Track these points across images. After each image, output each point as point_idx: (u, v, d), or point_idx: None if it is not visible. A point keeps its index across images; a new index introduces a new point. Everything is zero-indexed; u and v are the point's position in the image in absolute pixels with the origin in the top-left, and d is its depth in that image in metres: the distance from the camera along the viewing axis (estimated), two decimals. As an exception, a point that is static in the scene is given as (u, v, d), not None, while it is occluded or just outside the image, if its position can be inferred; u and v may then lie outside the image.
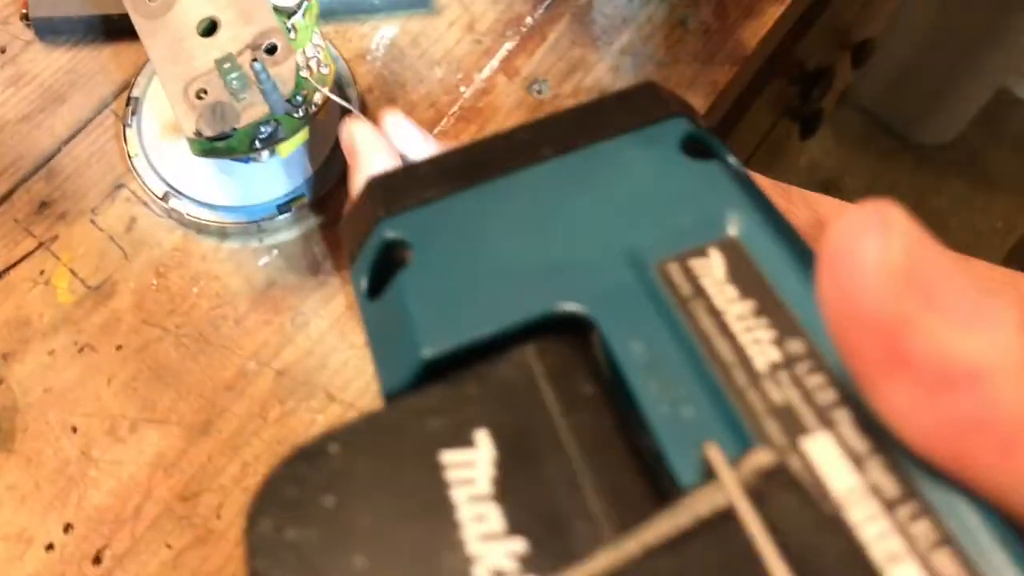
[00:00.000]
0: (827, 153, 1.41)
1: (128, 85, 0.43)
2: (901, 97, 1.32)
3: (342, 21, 0.46)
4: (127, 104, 0.42)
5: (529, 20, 0.47)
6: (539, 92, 0.46)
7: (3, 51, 0.45)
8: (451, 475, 0.15)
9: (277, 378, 0.40)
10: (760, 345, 0.15)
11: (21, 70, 0.45)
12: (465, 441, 0.15)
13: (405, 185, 0.20)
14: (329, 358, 0.41)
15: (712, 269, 0.17)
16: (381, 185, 0.20)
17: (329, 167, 0.41)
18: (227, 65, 0.34)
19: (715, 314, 0.16)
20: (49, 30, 0.44)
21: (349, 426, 0.15)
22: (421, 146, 0.32)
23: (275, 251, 0.42)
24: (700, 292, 0.16)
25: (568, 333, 0.17)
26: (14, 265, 0.41)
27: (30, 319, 0.40)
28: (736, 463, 0.14)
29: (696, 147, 0.19)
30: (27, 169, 0.43)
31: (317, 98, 0.36)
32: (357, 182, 0.31)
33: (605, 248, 0.17)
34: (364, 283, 0.19)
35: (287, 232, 0.42)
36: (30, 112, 0.44)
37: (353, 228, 0.20)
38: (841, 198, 0.34)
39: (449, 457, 0.15)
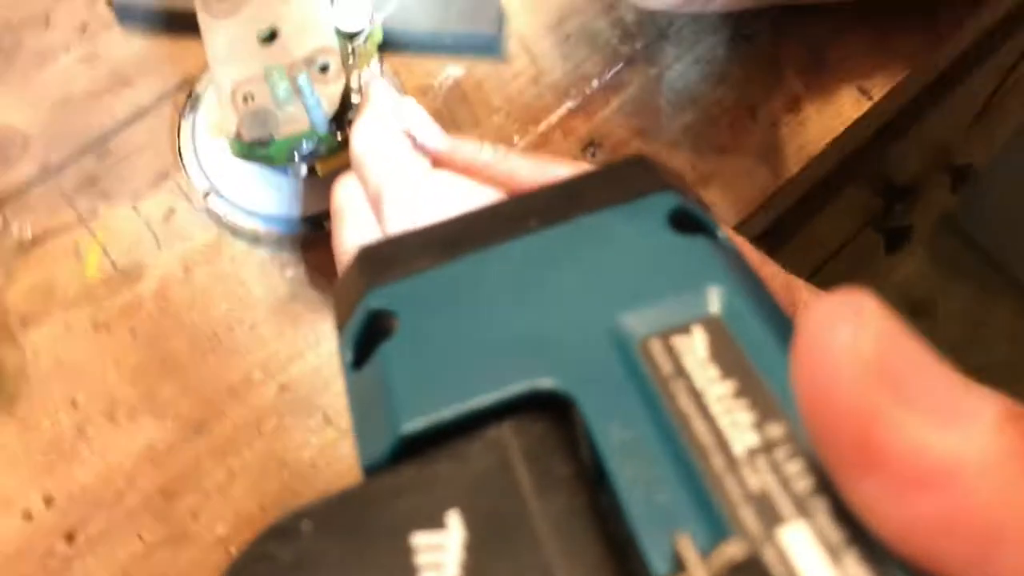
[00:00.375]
0: (922, 274, 1.42)
1: (193, 80, 0.48)
2: (1007, 229, 1.33)
3: (411, 54, 0.51)
4: (187, 98, 0.47)
5: (595, 83, 0.52)
6: (592, 155, 0.50)
7: (84, 29, 0.51)
8: (421, 558, 0.16)
9: (280, 391, 0.44)
10: (739, 428, 0.16)
11: (96, 49, 0.50)
12: (437, 523, 0.16)
13: (393, 255, 0.21)
14: (334, 381, 0.44)
15: (694, 347, 0.17)
16: (370, 254, 0.22)
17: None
18: (276, 74, 0.38)
19: (695, 395, 0.17)
20: (129, 16, 0.50)
21: (323, 503, 0.17)
22: (427, 130, 0.36)
23: (303, 265, 0.46)
24: (681, 371, 0.17)
25: (550, 409, 0.18)
26: (51, 234, 0.46)
27: (55, 289, 0.45)
28: (707, 556, 0.14)
29: (685, 221, 0.21)
30: (82, 144, 0.48)
31: (366, 125, 0.41)
32: (355, 128, 0.35)
33: (588, 323, 0.19)
34: (349, 354, 0.20)
35: (320, 248, 0.46)
36: (97, 90, 0.49)
37: (341, 297, 0.22)
38: (932, 323, 0.37)
39: (420, 539, 0.16)
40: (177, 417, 0.43)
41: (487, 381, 0.18)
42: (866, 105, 0.55)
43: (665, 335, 0.18)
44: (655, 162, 0.23)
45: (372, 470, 0.18)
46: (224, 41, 0.40)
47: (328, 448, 0.43)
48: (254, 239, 0.46)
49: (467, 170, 0.34)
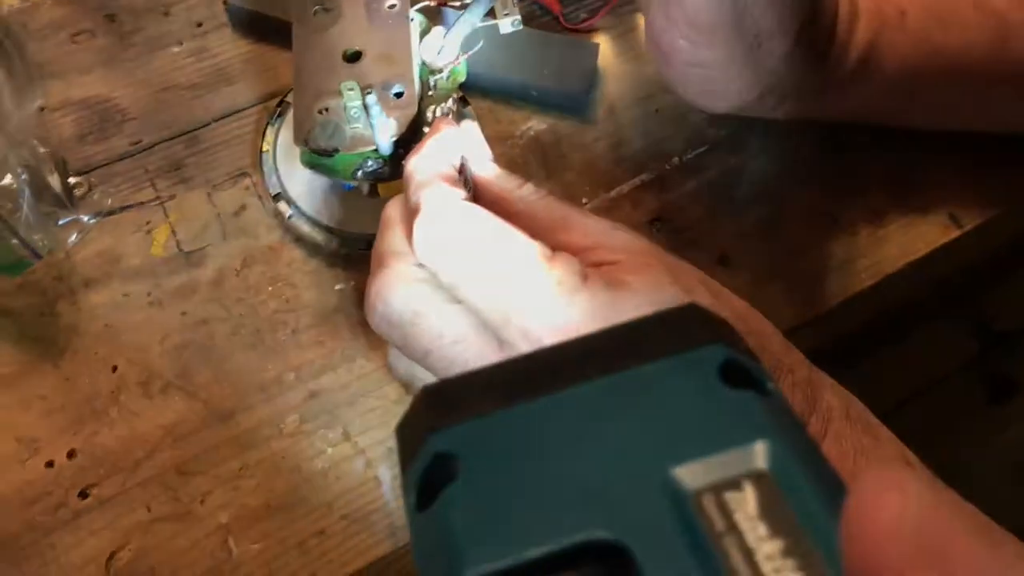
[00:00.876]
0: (1033, 436, 1.41)
1: (286, 90, 0.56)
2: None
3: (500, 102, 0.57)
4: (278, 105, 0.55)
5: (675, 160, 0.57)
6: (657, 231, 0.55)
7: (199, 25, 0.59)
8: None
9: (308, 398, 0.50)
10: None
11: (207, 46, 0.58)
12: None
13: (457, 396, 0.24)
14: (360, 400, 0.50)
15: (745, 504, 0.20)
16: (434, 395, 0.25)
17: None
18: (351, 91, 0.45)
19: (746, 552, 0.19)
20: (241, 20, 0.58)
21: None
22: (476, 152, 0.42)
23: (352, 283, 0.52)
24: (733, 528, 0.20)
25: (605, 559, 0.20)
26: (128, 207, 0.53)
27: (121, 258, 0.52)
28: None
29: (735, 374, 0.23)
30: (175, 130, 0.56)
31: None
32: (414, 149, 0.41)
33: (643, 476, 0.21)
34: (413, 496, 0.23)
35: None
36: (198, 83, 0.57)
37: (406, 435, 0.25)
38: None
39: None
40: (207, 402, 0.49)
41: (547, 530, 0.20)
42: (954, 233, 0.58)
43: (717, 490, 0.20)
44: (708, 312, 0.26)
45: None
46: (312, 54, 0.47)
47: (342, 462, 0.48)
48: (313, 248, 0.52)
49: (498, 202, 0.40)
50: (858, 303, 0.57)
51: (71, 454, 0.48)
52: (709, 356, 0.24)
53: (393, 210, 0.42)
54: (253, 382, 0.50)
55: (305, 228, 0.52)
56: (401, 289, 0.39)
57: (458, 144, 0.42)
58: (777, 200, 0.57)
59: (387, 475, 0.48)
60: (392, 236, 0.41)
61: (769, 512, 0.20)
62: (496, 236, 0.37)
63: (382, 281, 0.40)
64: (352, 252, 0.52)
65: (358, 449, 0.49)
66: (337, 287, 0.52)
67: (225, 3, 0.59)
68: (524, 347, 0.36)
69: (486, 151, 0.43)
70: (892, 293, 0.59)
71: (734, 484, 0.20)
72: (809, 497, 0.20)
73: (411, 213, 0.39)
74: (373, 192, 0.49)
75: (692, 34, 0.46)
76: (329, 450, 0.49)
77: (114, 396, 0.49)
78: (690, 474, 0.21)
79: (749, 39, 0.46)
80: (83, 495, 0.47)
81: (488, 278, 0.36)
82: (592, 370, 0.24)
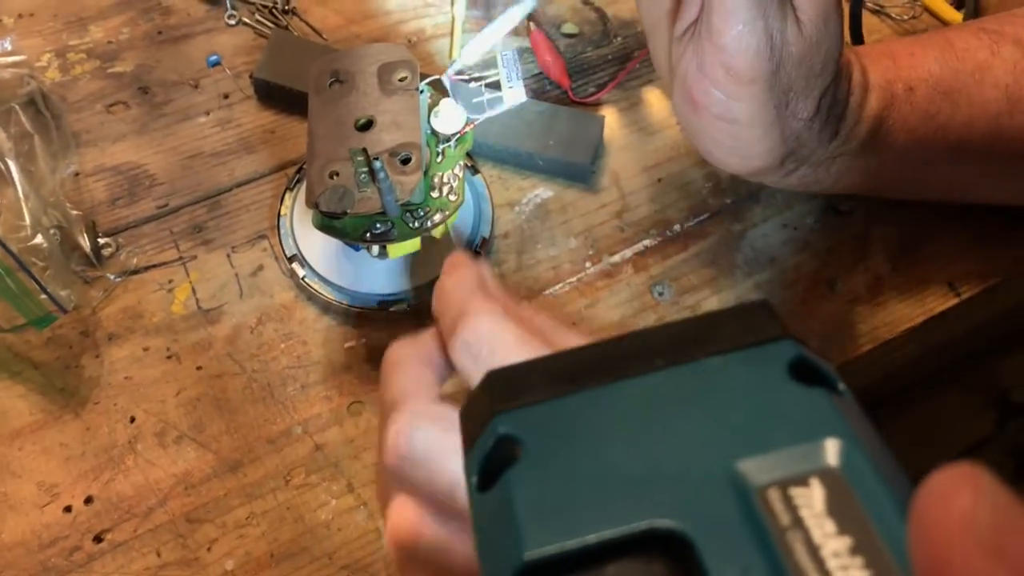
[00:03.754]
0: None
1: (304, 158, 0.59)
2: None
3: (508, 170, 0.60)
4: (296, 172, 0.58)
5: (677, 227, 0.59)
6: (660, 295, 0.57)
7: (226, 96, 0.63)
8: None
9: (314, 451, 0.52)
10: None
11: (232, 116, 0.62)
12: None
13: (522, 381, 0.24)
14: (365, 453, 0.52)
15: (812, 500, 0.20)
16: (499, 379, 0.25)
17: (434, 285, 0.54)
18: (360, 158, 0.48)
19: (812, 548, 0.19)
20: (265, 93, 0.62)
21: None
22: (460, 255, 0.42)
23: (363, 340, 0.54)
24: (799, 523, 0.19)
25: (667, 547, 0.20)
26: (152, 267, 0.56)
27: (143, 314, 0.55)
28: None
29: (805, 371, 0.23)
30: (199, 195, 0.59)
31: (436, 217, 0.50)
32: (445, 277, 0.41)
33: (709, 467, 0.21)
34: (475, 476, 0.23)
35: (380, 329, 0.54)
36: (222, 151, 0.61)
37: (469, 418, 0.25)
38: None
39: None
40: (217, 452, 0.51)
41: (609, 516, 0.20)
42: (952, 301, 0.60)
43: (784, 486, 0.20)
44: (776, 310, 0.25)
45: None
46: (325, 122, 0.50)
47: (345, 513, 0.50)
48: (324, 307, 0.55)
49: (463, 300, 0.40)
50: (854, 369, 0.58)
51: (88, 500, 0.50)
52: (779, 351, 0.23)
53: (401, 351, 0.39)
54: (262, 435, 0.52)
55: (318, 287, 0.54)
56: (426, 425, 0.36)
57: (476, 271, 0.43)
58: (777, 266, 0.59)
59: (389, 527, 0.49)
60: (402, 378, 0.38)
61: (837, 509, 0.19)
62: (520, 341, 0.35)
63: (403, 421, 0.36)
64: (362, 312, 0.54)
65: (361, 501, 0.50)
66: (347, 345, 0.54)
67: (251, 76, 0.62)
68: None
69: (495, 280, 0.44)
70: (891, 360, 0.60)
71: (801, 480, 0.20)
72: (880, 495, 0.20)
73: (448, 329, 0.37)
74: (382, 253, 0.51)
75: (728, 83, 0.46)
76: (333, 502, 0.50)
77: (131, 445, 0.51)
78: (756, 468, 0.21)
79: (780, 95, 0.47)
80: (97, 539, 0.49)
81: None
82: (660, 361, 0.24)
